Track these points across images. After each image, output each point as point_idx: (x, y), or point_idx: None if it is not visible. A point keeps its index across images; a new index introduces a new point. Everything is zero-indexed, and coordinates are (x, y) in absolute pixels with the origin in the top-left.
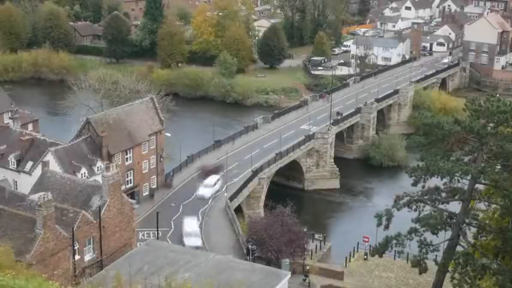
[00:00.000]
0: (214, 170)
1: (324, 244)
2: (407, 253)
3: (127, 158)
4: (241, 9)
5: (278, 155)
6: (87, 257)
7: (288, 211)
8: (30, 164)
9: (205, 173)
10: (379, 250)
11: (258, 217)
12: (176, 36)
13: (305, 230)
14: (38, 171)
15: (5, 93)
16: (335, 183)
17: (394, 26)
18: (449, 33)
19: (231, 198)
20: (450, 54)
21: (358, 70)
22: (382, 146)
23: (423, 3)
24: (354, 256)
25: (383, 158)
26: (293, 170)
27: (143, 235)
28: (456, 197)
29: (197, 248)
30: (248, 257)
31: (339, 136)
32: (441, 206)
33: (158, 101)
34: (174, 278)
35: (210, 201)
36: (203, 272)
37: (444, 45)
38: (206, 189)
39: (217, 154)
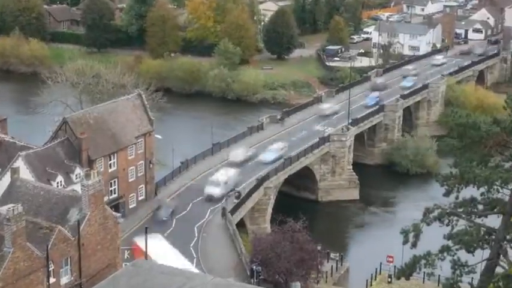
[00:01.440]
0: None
1: (341, 265)
2: (439, 275)
3: (110, 164)
4: None
5: (287, 161)
6: (64, 280)
7: (299, 226)
8: None
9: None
10: (406, 272)
11: (263, 233)
12: (168, 22)
13: (319, 248)
14: (6, 180)
15: None
16: (354, 194)
17: (423, 10)
18: (488, 18)
19: (233, 211)
20: (489, 41)
21: (380, 61)
22: (408, 149)
23: None
24: (375, 279)
25: (410, 164)
26: (305, 178)
27: (129, 254)
28: (495, 210)
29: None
30: (252, 280)
31: (359, 138)
32: (478, 220)
33: (147, 97)
34: None
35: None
36: None
37: (481, 31)
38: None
39: (217, 159)
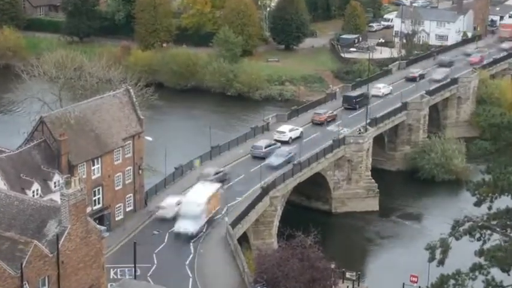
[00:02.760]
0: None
1: (358, 285)
2: None
3: (94, 170)
4: None
5: (296, 166)
6: None
7: (310, 241)
8: None
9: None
10: None
11: (269, 249)
12: (160, 7)
13: (333, 266)
14: None
15: None
16: (373, 204)
17: None
18: None
19: (234, 224)
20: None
21: (403, 52)
22: (435, 153)
23: None
24: None
25: (436, 170)
26: (316, 186)
27: (116, 273)
28: None
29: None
30: None
31: (378, 141)
32: None
33: (136, 93)
34: None
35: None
36: None
37: None
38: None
39: (216, 164)
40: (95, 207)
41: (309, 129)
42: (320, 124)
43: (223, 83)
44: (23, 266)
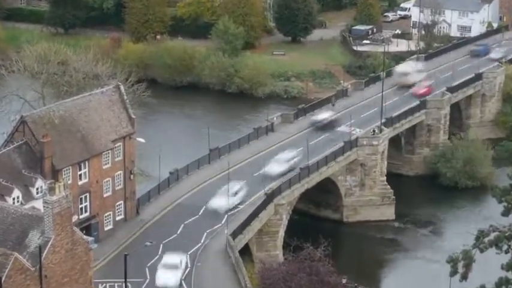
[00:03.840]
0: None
1: None
2: None
3: (81, 175)
4: None
5: (304, 171)
6: None
7: (319, 253)
8: None
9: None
10: None
11: (274, 262)
12: None
13: (344, 281)
14: None
15: None
16: (388, 212)
17: None
18: None
19: (235, 234)
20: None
21: (422, 45)
22: (457, 157)
23: None
24: None
25: (459, 175)
26: (326, 192)
27: None
28: None
29: None
30: None
31: (395, 143)
32: None
33: (127, 90)
34: None
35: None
36: None
37: None
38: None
39: (215, 168)
40: (81, 216)
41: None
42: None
43: (222, 78)
44: (2, 280)
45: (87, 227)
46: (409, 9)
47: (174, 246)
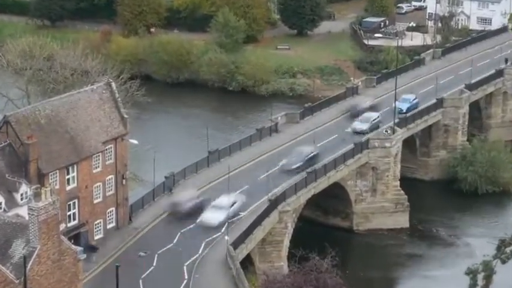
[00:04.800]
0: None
1: None
2: None
3: (69, 180)
4: None
5: (310, 175)
6: None
7: (327, 265)
8: None
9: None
10: None
11: (278, 274)
12: None
13: None
14: None
15: None
16: (402, 220)
17: None
18: None
19: (236, 244)
20: None
21: (439, 39)
22: (477, 160)
23: None
24: None
25: (479, 180)
26: (335, 199)
27: None
28: None
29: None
30: None
31: (409, 144)
32: None
33: (119, 87)
34: None
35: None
36: None
37: None
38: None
39: (214, 172)
40: (69, 224)
41: (324, 131)
42: None
43: (222, 75)
44: None
45: (75, 236)
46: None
47: (170, 256)
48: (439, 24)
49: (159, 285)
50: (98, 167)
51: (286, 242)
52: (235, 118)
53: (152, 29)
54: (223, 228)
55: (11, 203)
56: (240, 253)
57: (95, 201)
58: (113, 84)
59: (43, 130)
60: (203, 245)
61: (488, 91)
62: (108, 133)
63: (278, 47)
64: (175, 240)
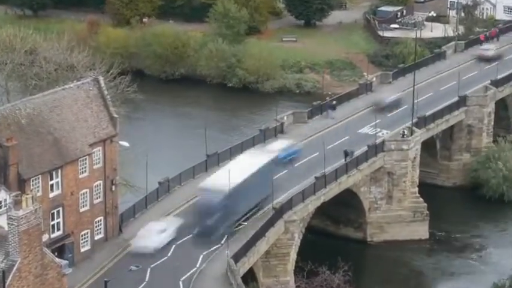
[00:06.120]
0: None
1: None
2: None
3: (52, 186)
4: None
5: (320, 181)
6: None
7: (338, 280)
8: None
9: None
10: None
11: None
12: None
13: None
14: None
15: None
16: (421, 230)
17: None
18: None
19: (237, 257)
20: None
21: (462, 30)
22: (503, 163)
23: None
24: None
25: (505, 186)
26: (346, 207)
27: None
28: None
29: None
30: None
31: (428, 147)
32: None
33: (108, 84)
34: None
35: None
36: None
37: None
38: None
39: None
40: (53, 235)
41: (334, 132)
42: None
43: (222, 70)
44: None
45: (60, 248)
46: None
47: (164, 270)
48: (462, 14)
49: None
50: (85, 171)
51: (293, 255)
52: (236, 117)
53: (145, 19)
54: (223, 240)
55: None
56: (242, 267)
57: (82, 210)
58: (101, 80)
59: (24, 131)
60: (201, 258)
61: None
62: (95, 134)
63: (283, 39)
64: (169, 253)
